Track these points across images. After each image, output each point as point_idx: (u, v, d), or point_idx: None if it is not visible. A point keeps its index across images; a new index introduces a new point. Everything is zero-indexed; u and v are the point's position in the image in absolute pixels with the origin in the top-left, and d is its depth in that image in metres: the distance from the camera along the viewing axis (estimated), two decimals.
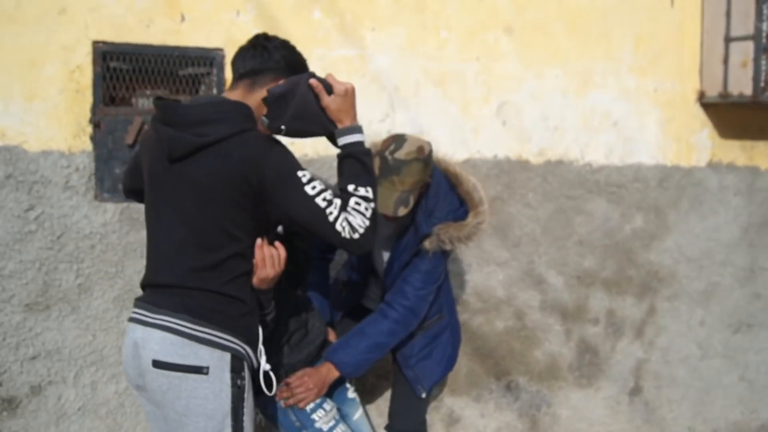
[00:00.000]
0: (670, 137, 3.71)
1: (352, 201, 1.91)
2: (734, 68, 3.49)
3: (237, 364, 1.93)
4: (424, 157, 2.38)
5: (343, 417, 2.53)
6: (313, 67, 3.00)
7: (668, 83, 3.67)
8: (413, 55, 3.19)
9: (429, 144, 2.43)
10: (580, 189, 3.56)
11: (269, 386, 2.08)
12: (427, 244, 2.45)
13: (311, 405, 2.41)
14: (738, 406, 4.05)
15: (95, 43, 2.73)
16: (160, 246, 1.99)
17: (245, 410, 1.96)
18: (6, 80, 2.64)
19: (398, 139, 2.42)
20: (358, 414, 2.60)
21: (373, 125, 3.14)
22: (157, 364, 1.89)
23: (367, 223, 1.90)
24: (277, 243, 2.07)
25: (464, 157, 3.32)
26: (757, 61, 3.40)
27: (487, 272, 3.44)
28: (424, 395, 2.69)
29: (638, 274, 3.73)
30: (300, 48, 2.85)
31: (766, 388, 4.12)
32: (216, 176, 1.88)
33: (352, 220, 1.90)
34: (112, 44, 2.75)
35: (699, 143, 3.78)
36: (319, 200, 1.88)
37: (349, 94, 2.01)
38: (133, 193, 2.22)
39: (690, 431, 3.93)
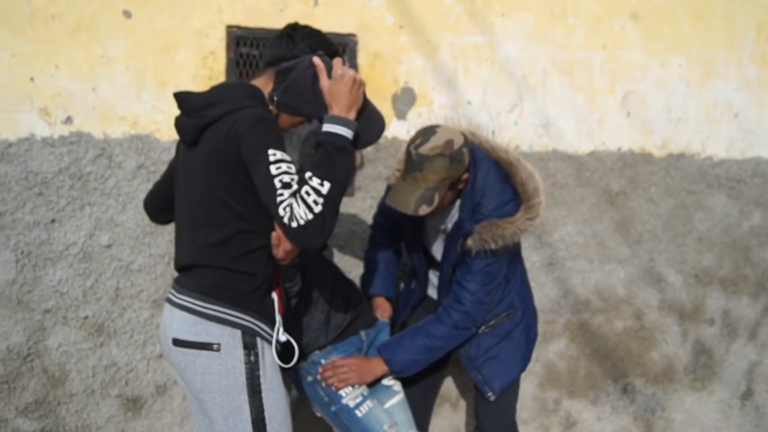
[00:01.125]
0: None
1: (304, 189, 1.80)
2: None
3: (249, 340, 1.93)
4: (452, 153, 2.17)
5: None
6: (441, 54, 2.90)
7: None
8: (541, 42, 3.06)
9: (462, 137, 2.21)
10: (701, 184, 3.42)
11: (288, 358, 2.05)
12: (470, 242, 2.26)
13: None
14: None
15: (229, 28, 2.62)
16: (181, 229, 2.05)
17: (264, 386, 1.95)
18: (139, 66, 2.53)
19: (427, 132, 2.21)
20: (392, 401, 2.44)
21: (501, 116, 3.01)
22: (175, 342, 1.95)
23: (310, 216, 1.77)
24: None
25: (589, 149, 3.19)
26: None
27: (609, 270, 3.30)
28: (492, 398, 2.51)
29: (754, 273, 3.60)
30: (430, 34, 2.70)
31: None
32: (212, 152, 1.90)
33: (296, 208, 1.78)
34: (246, 29, 2.63)
35: None
36: (276, 180, 1.80)
37: (346, 81, 1.87)
38: (162, 209, 2.23)
39: None
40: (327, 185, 1.79)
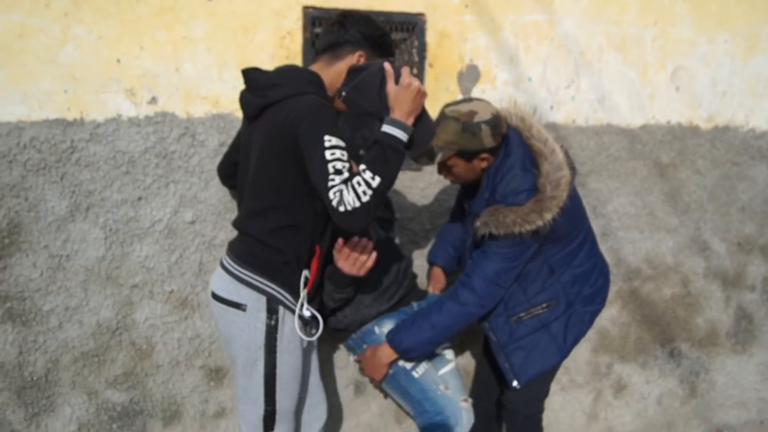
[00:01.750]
0: None
1: (356, 179, 1.96)
2: None
3: (273, 306, 2.16)
4: (467, 122, 2.24)
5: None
6: (504, 32, 2.97)
7: None
8: (596, 20, 3.14)
9: (493, 117, 2.26)
10: (744, 155, 3.53)
11: (311, 332, 2.26)
12: (477, 224, 2.27)
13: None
14: None
15: (305, 9, 2.67)
16: (240, 195, 2.28)
17: (279, 347, 2.18)
18: (220, 46, 2.59)
19: (465, 100, 2.34)
20: (445, 369, 2.51)
21: (560, 92, 3.10)
22: (213, 296, 2.23)
23: (357, 204, 1.94)
24: (370, 248, 2.24)
25: (640, 123, 3.28)
26: None
27: (658, 239, 3.42)
28: (517, 387, 2.48)
29: None
30: (494, 13, 2.82)
31: None
32: (270, 131, 2.09)
33: (346, 194, 1.95)
34: (322, 9, 2.69)
35: None
36: (329, 166, 1.97)
37: (411, 90, 2.03)
38: (228, 174, 2.49)
39: None
40: (377, 180, 1.96)
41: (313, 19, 2.68)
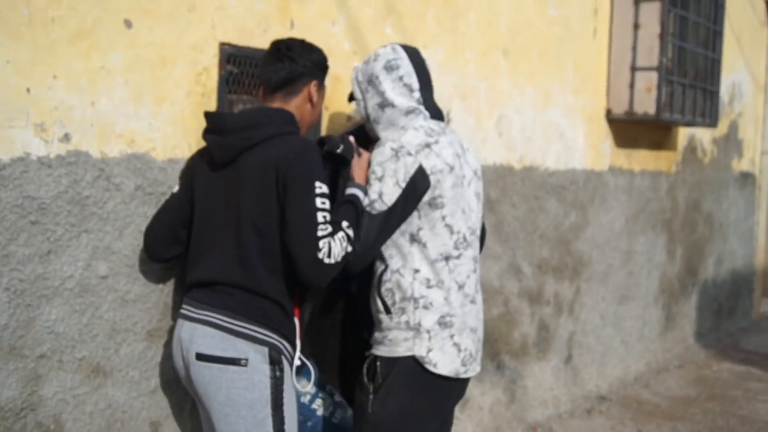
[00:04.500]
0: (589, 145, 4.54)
1: (340, 234, 2.07)
2: (639, 92, 4.41)
3: (275, 356, 2.09)
4: None
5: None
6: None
7: (590, 101, 4.49)
8: (448, 72, 3.49)
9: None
10: (542, 191, 4.18)
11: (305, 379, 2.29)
12: None
13: (308, 397, 2.52)
14: None
15: (222, 45, 2.55)
16: (200, 245, 2.17)
17: (285, 400, 2.11)
18: (138, 79, 2.35)
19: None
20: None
21: None
22: (200, 357, 2.06)
23: (338, 259, 2.04)
24: None
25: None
26: (660, 87, 4.36)
27: (488, 266, 3.86)
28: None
29: (571, 261, 4.49)
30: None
31: None
32: (254, 170, 2.06)
33: (334, 246, 2.02)
34: (236, 47, 2.59)
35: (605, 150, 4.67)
36: (319, 215, 2.02)
37: (365, 161, 2.35)
38: (168, 240, 2.30)
39: None
40: (352, 238, 2.11)
41: (228, 56, 2.57)
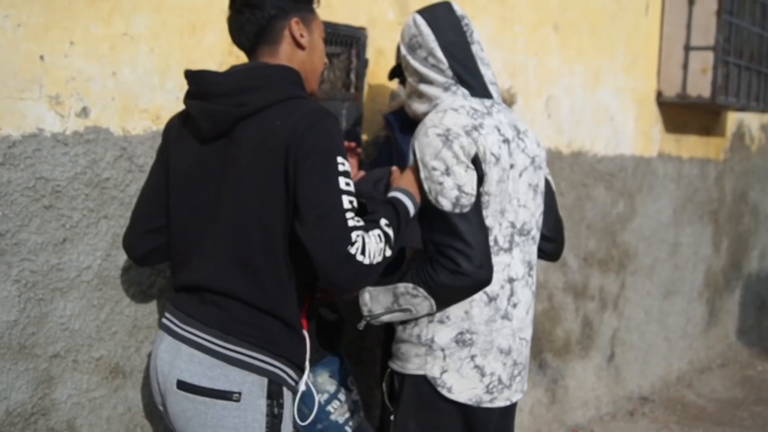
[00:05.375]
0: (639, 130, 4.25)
1: (376, 231, 1.62)
2: (693, 74, 4.10)
3: (275, 389, 1.65)
4: None
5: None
6: None
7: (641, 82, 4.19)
8: (496, 47, 3.21)
9: None
10: (590, 178, 3.90)
11: (305, 414, 1.86)
12: None
13: (325, 396, 2.21)
14: None
15: None
16: (187, 239, 1.72)
17: None
18: (165, 48, 2.10)
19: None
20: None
21: None
22: (182, 386, 1.64)
23: (375, 260, 1.58)
24: None
25: None
26: (716, 68, 4.04)
27: None
28: None
29: (618, 253, 4.21)
30: None
31: None
32: (255, 146, 1.60)
33: (369, 242, 1.57)
34: None
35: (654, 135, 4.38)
36: (345, 199, 1.56)
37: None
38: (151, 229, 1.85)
39: None
40: (392, 242, 1.67)
41: None
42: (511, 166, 1.91)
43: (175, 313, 1.70)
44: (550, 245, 2.18)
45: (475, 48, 2.00)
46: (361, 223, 1.60)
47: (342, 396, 2.21)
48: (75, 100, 1.94)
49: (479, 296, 1.88)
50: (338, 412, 2.18)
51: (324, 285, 1.68)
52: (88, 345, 2.04)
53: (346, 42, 2.57)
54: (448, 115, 1.88)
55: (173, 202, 1.75)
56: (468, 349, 1.89)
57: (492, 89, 2.02)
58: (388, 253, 1.63)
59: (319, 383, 2.14)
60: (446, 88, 1.96)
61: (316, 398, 1.91)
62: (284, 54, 1.74)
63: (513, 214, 1.92)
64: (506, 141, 1.92)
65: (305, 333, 1.74)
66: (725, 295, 5.52)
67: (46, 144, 1.90)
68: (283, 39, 1.74)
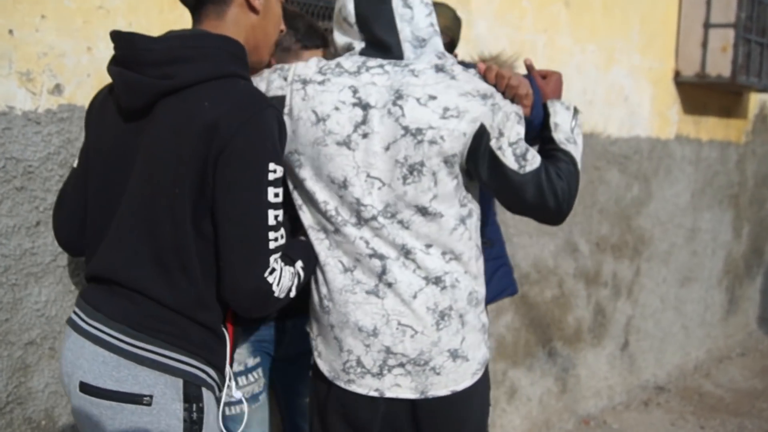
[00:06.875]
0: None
1: (292, 269, 1.52)
2: (713, 52, 3.93)
3: (193, 391, 1.47)
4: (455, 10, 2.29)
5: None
6: None
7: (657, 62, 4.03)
8: (502, 24, 3.08)
9: None
10: (602, 160, 3.76)
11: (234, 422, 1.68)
12: None
13: (239, 367, 1.96)
14: None
15: None
16: (100, 223, 1.52)
17: None
18: (143, 22, 2.01)
19: None
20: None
21: None
22: (85, 389, 1.45)
23: (282, 294, 1.47)
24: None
25: None
26: (736, 46, 3.87)
27: (542, 243, 3.48)
28: None
29: (632, 239, 4.07)
30: None
31: None
32: (177, 127, 1.40)
33: (284, 275, 1.46)
34: None
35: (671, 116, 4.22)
36: (270, 214, 1.40)
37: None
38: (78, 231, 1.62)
39: None
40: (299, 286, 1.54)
41: None
42: (365, 135, 1.60)
43: (83, 307, 1.50)
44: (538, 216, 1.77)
45: (395, 2, 1.66)
46: (283, 242, 1.46)
47: (254, 374, 1.99)
48: (47, 77, 1.86)
49: (334, 262, 1.67)
50: (244, 388, 1.95)
51: (226, 301, 1.48)
52: (64, 332, 1.97)
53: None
54: (299, 64, 1.69)
55: (91, 185, 1.55)
56: (327, 316, 1.70)
57: (406, 47, 1.65)
58: (293, 294, 1.51)
59: (237, 353, 1.92)
60: (345, 50, 1.71)
61: (246, 412, 1.68)
62: (232, 17, 1.51)
63: (359, 190, 1.62)
64: (362, 106, 1.60)
65: (227, 334, 1.55)
66: (746, 282, 5.35)
67: (16, 123, 1.82)
68: (231, 1, 1.50)
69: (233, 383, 1.58)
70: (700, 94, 4.37)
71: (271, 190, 1.39)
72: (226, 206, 1.38)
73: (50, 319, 1.94)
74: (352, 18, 1.66)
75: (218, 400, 1.53)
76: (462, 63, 2.04)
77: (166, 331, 1.44)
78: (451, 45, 2.13)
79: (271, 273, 1.40)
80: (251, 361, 1.98)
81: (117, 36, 1.47)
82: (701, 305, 4.80)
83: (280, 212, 1.43)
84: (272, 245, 1.40)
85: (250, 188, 1.37)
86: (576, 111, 1.82)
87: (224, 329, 1.53)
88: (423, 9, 1.67)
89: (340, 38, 1.71)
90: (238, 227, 1.37)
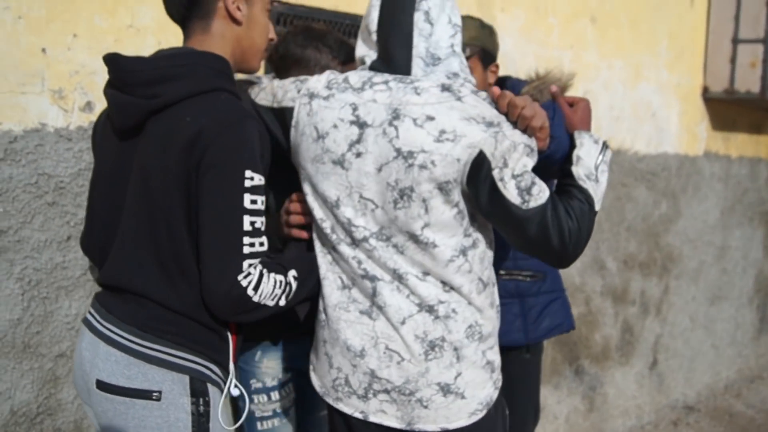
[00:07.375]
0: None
1: (280, 277, 1.53)
2: (742, 68, 3.89)
3: (199, 387, 1.55)
4: (482, 19, 2.21)
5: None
6: None
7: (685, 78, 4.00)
8: (528, 40, 3.08)
9: None
10: (630, 177, 3.73)
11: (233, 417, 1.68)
12: None
13: (273, 382, 1.95)
14: None
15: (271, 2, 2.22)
16: (107, 234, 1.59)
17: None
18: (172, 40, 2.03)
19: None
20: None
21: None
22: (101, 386, 1.54)
23: (265, 301, 1.49)
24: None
25: None
26: (765, 62, 3.83)
27: None
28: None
29: (660, 256, 4.03)
30: None
31: None
32: (163, 143, 1.46)
33: (265, 281, 1.47)
34: (288, 5, 2.27)
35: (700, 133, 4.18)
36: (246, 220, 1.44)
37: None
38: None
39: None
40: (292, 296, 1.54)
41: (278, 15, 2.24)
42: (358, 155, 1.55)
43: (97, 309, 1.59)
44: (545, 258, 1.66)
45: (417, 15, 1.59)
46: (262, 249, 1.47)
47: (275, 394, 1.97)
48: (79, 95, 1.90)
49: (333, 278, 1.64)
50: (260, 407, 1.93)
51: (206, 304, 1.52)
52: None
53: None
54: (314, 77, 1.65)
55: (96, 200, 1.62)
56: (321, 331, 1.67)
57: (416, 63, 1.59)
58: (282, 303, 1.52)
59: (261, 370, 1.93)
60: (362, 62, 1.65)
61: (247, 403, 1.71)
62: (218, 30, 1.54)
63: (352, 211, 1.57)
64: (359, 124, 1.55)
65: (229, 335, 1.59)
66: None
67: (48, 139, 1.86)
68: (216, 12, 1.54)
69: (231, 377, 1.61)
70: (729, 110, 4.33)
71: (247, 197, 1.43)
72: (203, 212, 1.43)
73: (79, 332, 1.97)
74: (374, 25, 1.60)
75: (221, 392, 1.56)
76: (518, 80, 2.05)
77: (171, 332, 1.52)
78: (483, 53, 2.06)
79: (245, 277, 1.43)
80: (284, 376, 1.98)
81: (108, 60, 1.52)
82: (732, 324, 4.72)
83: (259, 219, 1.45)
84: (247, 250, 1.43)
85: (225, 194, 1.42)
86: (605, 146, 1.67)
87: (227, 329, 1.57)
88: (447, 29, 1.59)
89: (358, 49, 1.67)
90: (212, 232, 1.43)
